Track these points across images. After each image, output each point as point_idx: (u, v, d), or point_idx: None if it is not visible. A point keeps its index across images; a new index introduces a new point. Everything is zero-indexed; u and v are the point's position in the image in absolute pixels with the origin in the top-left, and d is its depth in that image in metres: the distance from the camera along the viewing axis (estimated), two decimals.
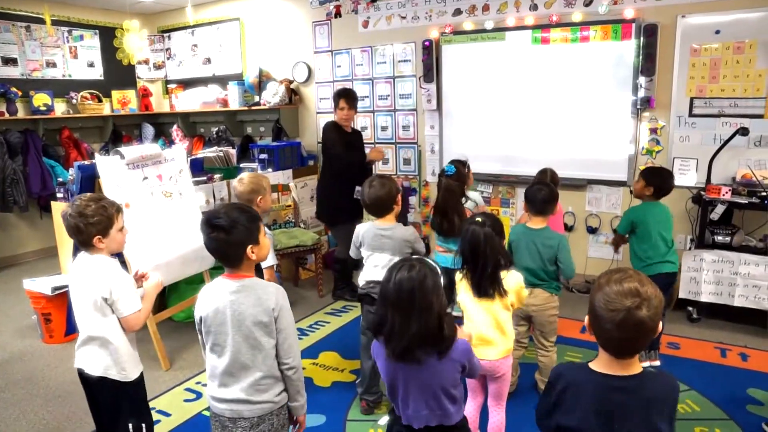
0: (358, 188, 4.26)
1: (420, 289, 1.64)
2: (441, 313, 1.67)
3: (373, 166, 4.58)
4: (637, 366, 1.41)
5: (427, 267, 1.69)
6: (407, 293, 1.64)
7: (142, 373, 2.25)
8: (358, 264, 2.95)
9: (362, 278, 2.84)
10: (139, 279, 2.34)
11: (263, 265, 2.76)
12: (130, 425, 2.18)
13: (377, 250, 2.74)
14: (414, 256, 1.80)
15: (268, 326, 1.80)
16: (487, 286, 2.23)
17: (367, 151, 4.56)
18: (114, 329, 2.12)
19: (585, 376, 1.44)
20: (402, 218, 4.90)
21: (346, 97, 4.28)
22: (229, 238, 1.78)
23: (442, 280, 1.71)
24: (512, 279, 2.31)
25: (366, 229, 2.78)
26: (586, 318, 1.43)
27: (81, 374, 2.19)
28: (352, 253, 2.90)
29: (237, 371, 1.83)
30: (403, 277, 1.66)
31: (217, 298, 1.84)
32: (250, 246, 1.82)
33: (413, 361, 1.66)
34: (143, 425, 2.24)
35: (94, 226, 2.08)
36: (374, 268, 2.76)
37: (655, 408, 1.39)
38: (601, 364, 1.43)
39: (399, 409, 1.78)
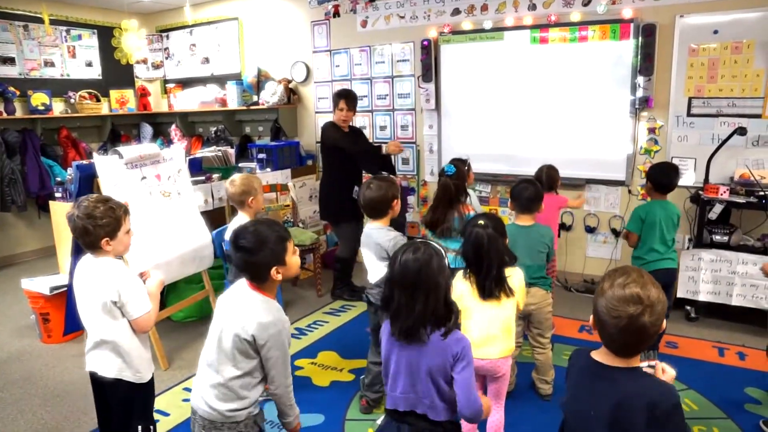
0: (356, 189, 4.27)
1: (426, 269, 1.67)
2: (447, 293, 1.71)
3: (392, 157, 4.59)
4: (635, 362, 1.41)
5: (432, 249, 1.71)
6: (413, 274, 1.67)
7: (152, 378, 2.25)
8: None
9: (369, 280, 2.85)
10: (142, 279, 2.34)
11: None
12: (140, 427, 2.18)
13: (365, 246, 2.78)
14: (418, 240, 1.80)
15: (241, 346, 1.78)
16: (492, 288, 2.24)
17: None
18: (124, 332, 2.11)
19: (582, 362, 1.49)
20: (400, 218, 4.90)
21: (346, 98, 4.28)
22: (252, 259, 1.78)
23: (446, 262, 1.73)
24: (516, 278, 2.33)
25: (365, 228, 2.82)
26: (591, 318, 1.44)
27: (93, 377, 2.17)
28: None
29: (206, 367, 1.86)
30: (408, 258, 1.68)
31: (230, 297, 1.88)
32: (275, 267, 1.80)
33: (417, 340, 1.68)
34: (150, 427, 2.24)
35: (103, 227, 2.06)
36: (370, 269, 2.79)
37: (630, 404, 1.34)
38: (601, 353, 1.46)
39: (388, 392, 1.78)
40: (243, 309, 1.81)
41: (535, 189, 2.93)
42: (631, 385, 1.38)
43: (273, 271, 1.80)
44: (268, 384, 1.85)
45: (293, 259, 1.87)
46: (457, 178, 3.23)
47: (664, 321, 1.37)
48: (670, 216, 3.27)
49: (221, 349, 1.82)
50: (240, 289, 1.87)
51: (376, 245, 2.66)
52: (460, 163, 3.48)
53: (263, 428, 1.96)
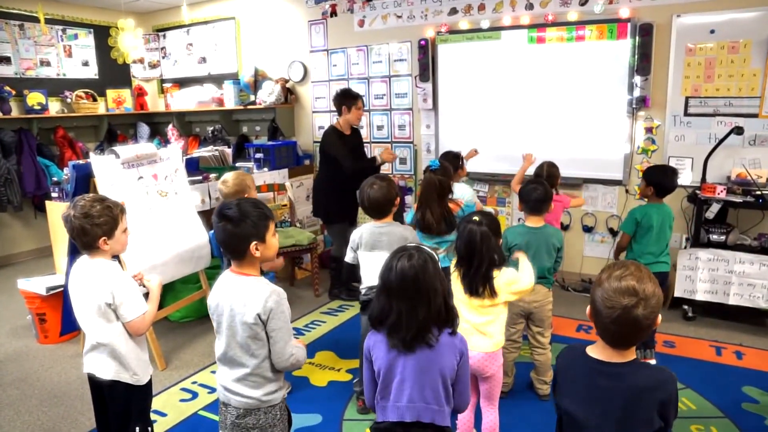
0: None
1: (423, 275, 1.64)
2: (446, 295, 1.69)
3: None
4: (631, 355, 1.43)
5: (426, 253, 1.70)
6: (411, 281, 1.64)
7: (150, 379, 2.24)
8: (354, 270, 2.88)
9: (364, 284, 2.79)
10: (137, 281, 2.33)
11: None
12: (137, 429, 2.17)
13: (375, 248, 2.72)
14: (410, 245, 1.77)
15: (253, 328, 1.79)
16: (478, 285, 2.25)
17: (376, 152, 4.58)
18: (120, 335, 2.10)
19: (579, 360, 1.49)
20: (398, 218, 4.88)
21: (360, 98, 4.38)
22: (235, 230, 1.80)
23: (440, 265, 1.72)
24: (503, 275, 2.31)
25: (364, 230, 2.75)
26: (588, 308, 1.46)
27: (92, 379, 2.17)
28: (349, 257, 2.83)
29: (228, 362, 1.88)
30: (404, 265, 1.65)
31: (220, 290, 1.88)
32: (254, 242, 1.81)
33: (424, 345, 1.66)
34: (148, 429, 2.24)
35: (100, 227, 2.05)
36: (373, 272, 2.71)
37: (642, 397, 1.39)
38: (597, 349, 1.47)
39: (389, 405, 1.73)
40: (239, 296, 1.82)
41: (545, 189, 2.91)
42: (635, 379, 1.40)
43: (252, 246, 1.81)
44: (274, 359, 1.84)
45: (273, 240, 1.88)
46: (442, 174, 3.18)
47: (659, 316, 1.38)
48: (666, 219, 3.26)
49: (237, 343, 1.83)
50: (227, 280, 1.88)
51: (400, 238, 2.60)
52: (448, 159, 3.47)
53: (290, 412, 2.00)
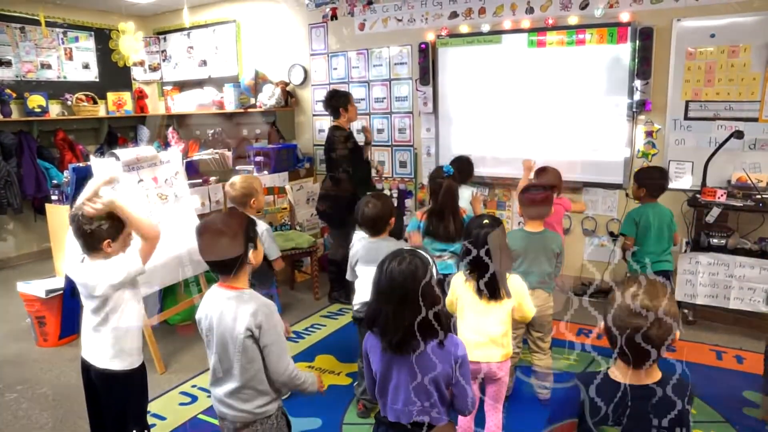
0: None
1: (412, 281, 1.63)
2: (435, 303, 1.67)
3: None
4: (656, 373, 1.40)
5: (418, 258, 1.68)
6: (399, 286, 1.64)
7: (146, 377, 2.24)
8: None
9: (356, 299, 2.77)
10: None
11: (270, 257, 2.90)
12: None
13: (370, 263, 2.71)
14: (405, 248, 1.77)
15: (244, 342, 1.78)
16: (496, 288, 2.24)
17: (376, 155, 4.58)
18: (126, 313, 2.11)
19: (606, 387, 1.43)
20: (399, 221, 4.89)
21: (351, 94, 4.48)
22: (233, 241, 1.80)
23: (434, 271, 1.69)
24: (516, 283, 2.32)
25: (360, 245, 2.76)
26: (602, 324, 1.43)
27: (87, 369, 2.16)
28: (348, 275, 2.82)
29: (219, 378, 1.87)
30: (394, 269, 1.65)
31: (210, 305, 1.87)
32: (251, 250, 1.85)
33: (409, 351, 1.65)
34: (144, 431, 2.23)
35: (107, 230, 2.06)
36: (367, 287, 2.71)
37: (679, 412, 1.38)
38: (620, 372, 1.42)
39: (387, 405, 1.76)
40: (229, 310, 1.81)
41: (546, 194, 2.92)
42: (670, 397, 1.39)
43: (250, 254, 1.85)
44: (272, 375, 1.84)
45: (260, 244, 1.96)
46: (454, 179, 3.20)
47: (678, 332, 1.36)
48: (663, 218, 3.27)
49: (228, 356, 1.81)
50: (215, 294, 1.88)
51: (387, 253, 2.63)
52: (462, 164, 3.48)
53: (288, 417, 2.00)
